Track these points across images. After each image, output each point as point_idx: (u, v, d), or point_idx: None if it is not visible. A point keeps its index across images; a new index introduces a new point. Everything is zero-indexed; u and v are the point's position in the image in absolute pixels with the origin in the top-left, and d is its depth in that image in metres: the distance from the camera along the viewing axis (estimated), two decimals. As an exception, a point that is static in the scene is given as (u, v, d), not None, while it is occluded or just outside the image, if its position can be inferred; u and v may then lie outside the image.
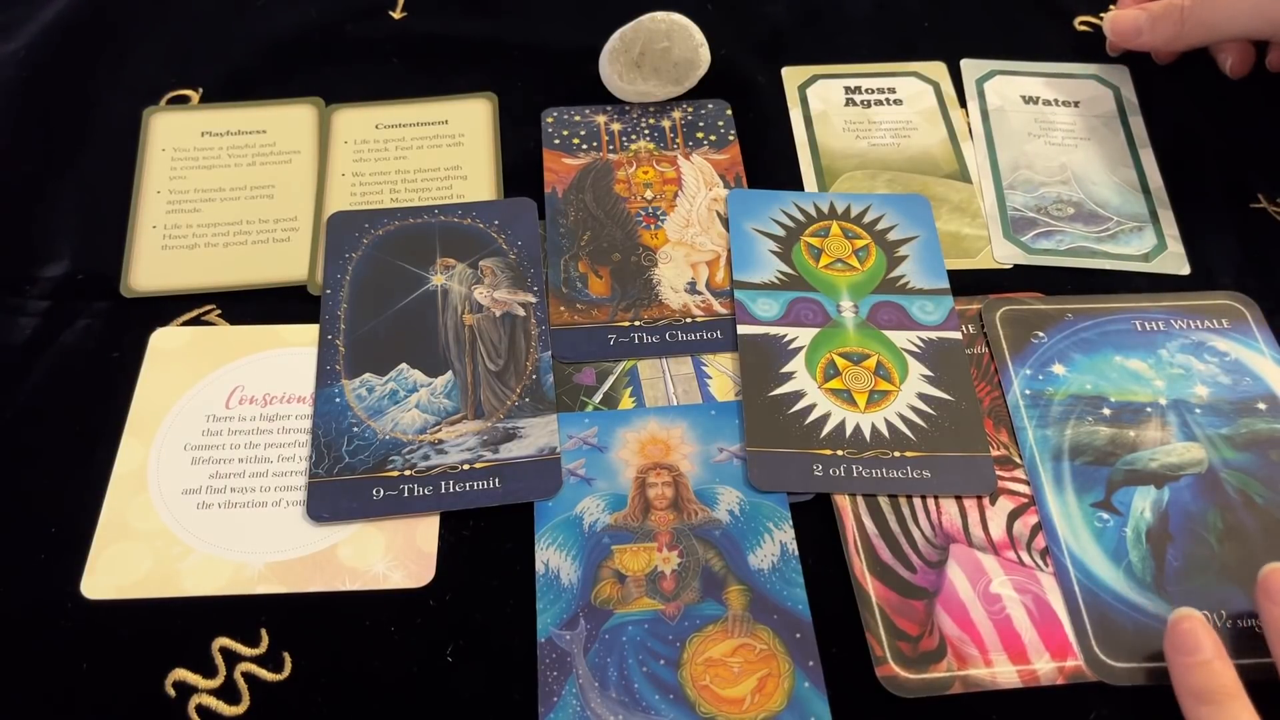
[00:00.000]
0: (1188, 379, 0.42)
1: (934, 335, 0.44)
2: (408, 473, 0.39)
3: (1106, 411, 0.41)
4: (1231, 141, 0.51)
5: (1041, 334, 0.43)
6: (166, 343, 0.43)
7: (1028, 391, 0.42)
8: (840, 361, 0.43)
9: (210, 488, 0.39)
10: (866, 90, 0.53)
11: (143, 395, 0.41)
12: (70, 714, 0.35)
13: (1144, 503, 0.39)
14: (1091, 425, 0.41)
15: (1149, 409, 0.41)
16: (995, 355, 0.43)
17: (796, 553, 0.38)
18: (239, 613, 0.37)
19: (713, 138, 0.51)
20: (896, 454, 0.40)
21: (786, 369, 0.42)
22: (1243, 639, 0.36)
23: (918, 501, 0.39)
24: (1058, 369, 0.42)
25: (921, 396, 0.42)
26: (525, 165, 0.49)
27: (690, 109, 0.52)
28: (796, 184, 0.49)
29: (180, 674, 0.35)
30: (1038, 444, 0.41)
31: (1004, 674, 0.35)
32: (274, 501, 0.39)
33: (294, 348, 0.43)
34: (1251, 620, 0.36)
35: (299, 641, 0.36)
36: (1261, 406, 0.41)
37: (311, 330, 0.43)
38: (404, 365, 0.42)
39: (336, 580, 0.37)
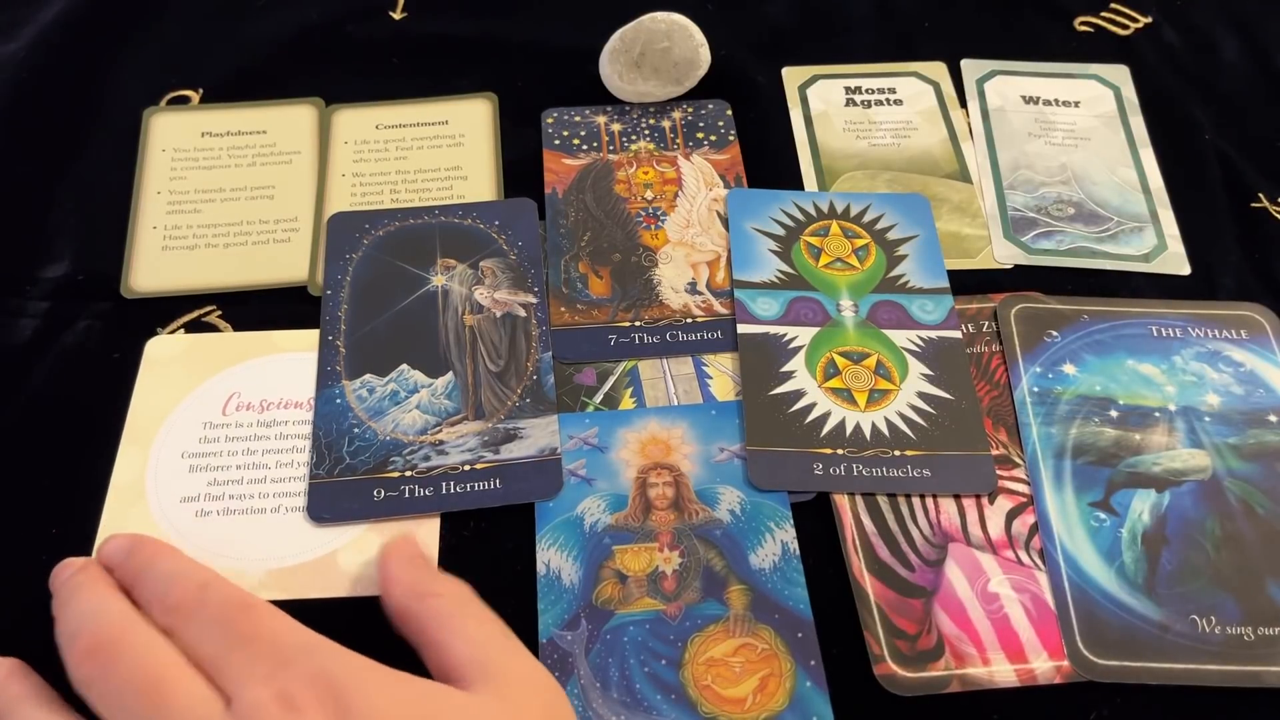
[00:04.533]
0: (1200, 387, 0.42)
1: (934, 334, 0.44)
2: (408, 473, 0.39)
3: (1114, 414, 0.41)
4: (1231, 141, 0.51)
5: (1055, 333, 0.43)
6: (161, 350, 0.43)
7: (1036, 389, 0.42)
8: (840, 360, 0.43)
9: (208, 495, 0.39)
10: (867, 90, 0.53)
11: (139, 403, 0.41)
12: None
13: (1143, 505, 0.39)
14: (1097, 426, 0.41)
15: (1157, 414, 0.41)
16: (1006, 351, 0.43)
17: (798, 552, 0.38)
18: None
19: (713, 138, 0.51)
20: (896, 453, 0.40)
21: (786, 368, 0.42)
22: (1234, 645, 0.36)
23: (916, 500, 0.39)
24: (1068, 369, 0.43)
25: (921, 395, 0.42)
26: (525, 165, 0.49)
27: (690, 109, 0.52)
28: (797, 184, 0.49)
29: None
30: (1041, 441, 0.41)
31: (1001, 673, 0.36)
32: (273, 508, 0.39)
33: (290, 353, 0.43)
34: (1242, 628, 0.36)
35: None
36: (1273, 419, 0.41)
37: (307, 335, 0.43)
38: (405, 366, 0.42)
39: (337, 586, 0.37)
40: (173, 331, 0.44)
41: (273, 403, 0.41)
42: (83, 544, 0.38)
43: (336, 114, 0.51)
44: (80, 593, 0.31)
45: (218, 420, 0.41)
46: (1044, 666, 0.36)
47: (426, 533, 0.38)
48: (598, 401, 0.42)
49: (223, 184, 0.48)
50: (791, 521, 0.39)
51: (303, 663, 0.28)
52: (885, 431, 0.41)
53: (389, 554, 0.34)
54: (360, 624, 0.36)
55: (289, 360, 0.42)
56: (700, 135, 0.51)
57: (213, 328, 0.44)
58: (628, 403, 0.42)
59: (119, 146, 0.50)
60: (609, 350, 0.43)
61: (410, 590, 0.33)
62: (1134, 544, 0.38)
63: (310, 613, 0.36)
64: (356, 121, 0.51)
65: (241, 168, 0.49)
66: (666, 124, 0.51)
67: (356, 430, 0.40)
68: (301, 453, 0.40)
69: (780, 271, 0.46)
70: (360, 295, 0.44)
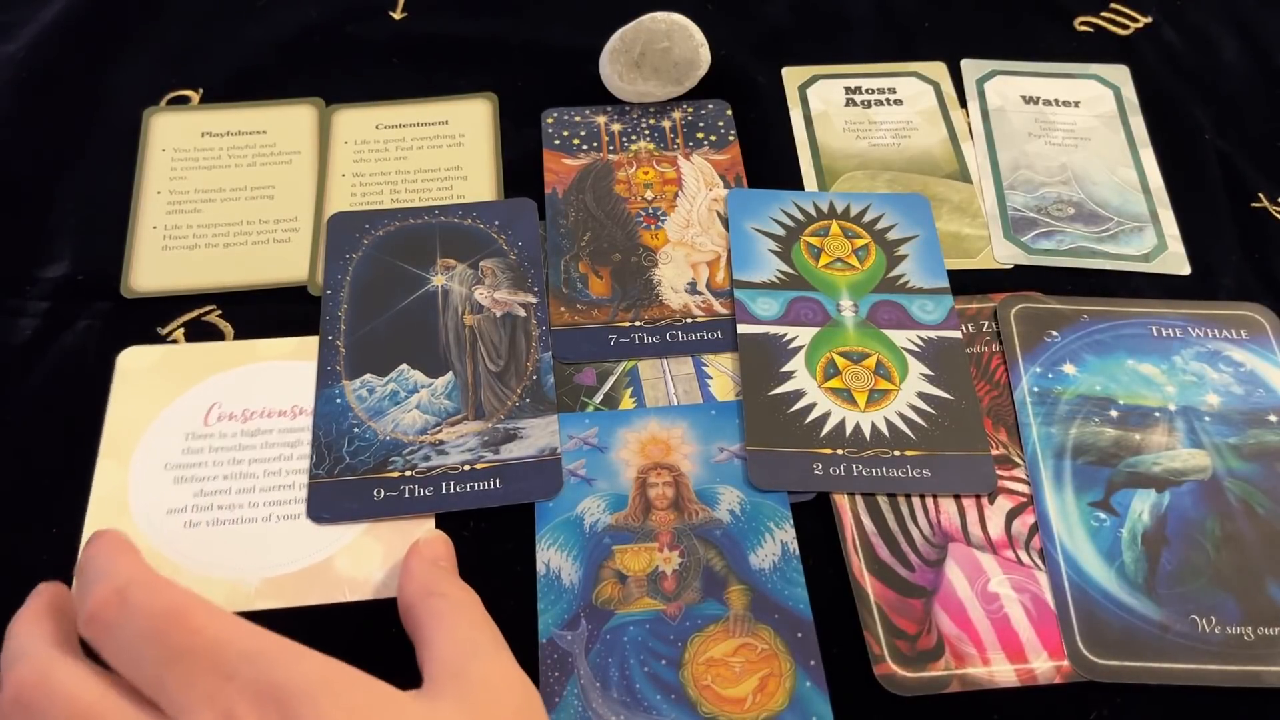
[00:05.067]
0: (1200, 387, 0.42)
1: (934, 334, 0.44)
2: (408, 473, 0.39)
3: (1114, 413, 0.41)
4: (1231, 141, 0.51)
5: (1055, 333, 0.43)
6: (135, 362, 0.42)
7: (1036, 389, 0.42)
8: (840, 360, 0.43)
9: (196, 506, 0.38)
10: (867, 90, 0.53)
11: (115, 416, 0.40)
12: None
13: (1143, 505, 0.39)
14: (1097, 426, 0.41)
15: (1157, 414, 0.41)
16: (1006, 351, 0.43)
17: (797, 552, 0.38)
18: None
19: (713, 138, 0.51)
20: (896, 453, 0.40)
21: (786, 368, 0.42)
22: (1234, 645, 0.36)
23: (916, 500, 0.39)
24: (1068, 369, 0.43)
25: (921, 395, 0.42)
26: (525, 165, 0.49)
27: (690, 109, 0.52)
28: (797, 184, 0.49)
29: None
30: (1041, 441, 0.41)
31: (1001, 673, 0.36)
32: (263, 517, 0.38)
33: (270, 361, 0.42)
34: (1242, 628, 0.36)
35: (280, 627, 0.36)
36: (1273, 419, 0.41)
37: (287, 343, 0.43)
38: (404, 366, 0.42)
39: (335, 592, 0.37)
40: (172, 331, 0.44)
41: (256, 412, 0.41)
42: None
43: (336, 114, 0.51)
44: (11, 633, 0.29)
45: (200, 431, 0.40)
46: (1044, 666, 0.36)
47: (421, 535, 0.38)
48: (598, 401, 0.42)
49: (223, 184, 0.48)
50: (791, 521, 0.39)
51: (246, 673, 0.26)
52: (885, 431, 0.41)
53: (415, 551, 0.35)
54: (360, 629, 0.37)
55: (270, 368, 0.42)
56: (700, 135, 0.51)
57: (213, 327, 0.44)
58: (628, 403, 0.42)
59: (119, 146, 0.50)
60: (609, 350, 0.43)
61: (420, 588, 0.33)
62: (1134, 544, 0.38)
63: (309, 619, 0.36)
64: (356, 121, 0.51)
65: (241, 168, 0.49)
66: (666, 124, 0.51)
67: (356, 430, 0.40)
68: (289, 460, 0.40)
69: (780, 271, 0.46)
70: (360, 295, 0.44)
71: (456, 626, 0.31)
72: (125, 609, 0.27)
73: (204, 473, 0.39)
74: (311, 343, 0.43)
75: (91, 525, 0.38)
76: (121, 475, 0.39)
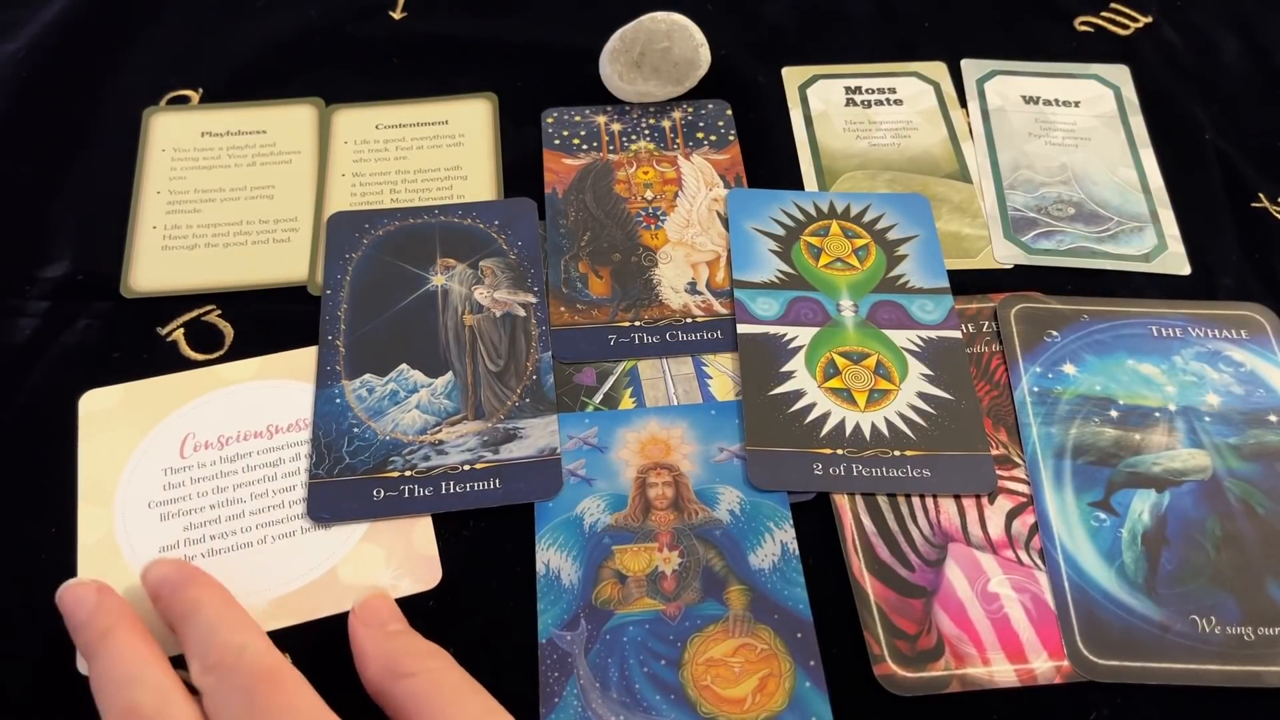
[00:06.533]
0: (1200, 387, 0.42)
1: (934, 334, 0.44)
2: (408, 473, 0.39)
3: (1114, 413, 0.41)
4: (1231, 141, 0.51)
5: (1055, 333, 0.43)
6: (97, 405, 0.41)
7: (1036, 389, 0.42)
8: (840, 360, 0.43)
9: (188, 539, 0.38)
10: (867, 90, 0.53)
11: (88, 461, 0.39)
12: (69, 707, 0.35)
13: (1143, 505, 0.39)
14: (1097, 426, 0.41)
15: (1157, 414, 0.41)
16: (1006, 351, 0.43)
17: (797, 552, 0.38)
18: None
19: (713, 138, 0.51)
20: (896, 453, 0.40)
21: (786, 368, 0.42)
22: (1234, 645, 0.36)
23: (916, 500, 0.39)
24: (1068, 369, 0.43)
25: (921, 395, 0.42)
26: (525, 165, 0.49)
27: (690, 109, 0.52)
28: (797, 185, 0.49)
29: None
30: (1041, 441, 0.41)
31: (1001, 673, 0.36)
32: (258, 540, 0.38)
33: (236, 385, 0.42)
34: (1242, 628, 0.36)
35: (298, 643, 0.36)
36: (1273, 419, 0.41)
37: (249, 365, 0.42)
38: (404, 366, 0.42)
39: (345, 601, 0.36)
40: (171, 331, 0.44)
41: (231, 437, 0.40)
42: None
43: (336, 114, 0.51)
44: (114, 645, 0.31)
45: (178, 464, 0.39)
46: (1044, 666, 0.36)
47: (422, 535, 0.38)
48: (597, 401, 0.42)
49: (223, 184, 0.48)
50: (791, 521, 0.39)
51: None
52: (885, 431, 0.41)
53: (359, 624, 0.34)
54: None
55: (238, 391, 0.41)
56: (700, 135, 0.51)
57: (212, 327, 0.44)
58: (627, 403, 0.42)
59: (119, 146, 0.50)
60: (609, 350, 0.43)
61: (385, 670, 0.32)
62: (1134, 544, 0.38)
63: (324, 631, 0.36)
64: (356, 121, 0.51)
65: (241, 168, 0.49)
66: (666, 124, 0.51)
67: (356, 430, 0.40)
68: (274, 480, 0.39)
69: (780, 271, 0.46)
70: (360, 295, 0.44)
71: (444, 706, 0.31)
72: (238, 668, 0.30)
73: (189, 505, 0.39)
74: (275, 361, 0.42)
75: (85, 573, 0.37)
76: (106, 519, 0.38)
